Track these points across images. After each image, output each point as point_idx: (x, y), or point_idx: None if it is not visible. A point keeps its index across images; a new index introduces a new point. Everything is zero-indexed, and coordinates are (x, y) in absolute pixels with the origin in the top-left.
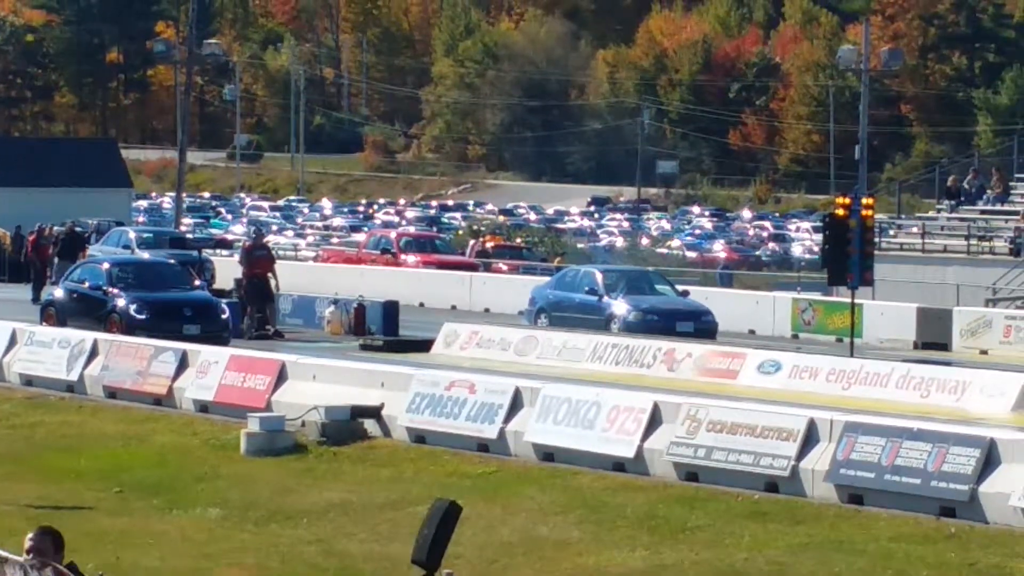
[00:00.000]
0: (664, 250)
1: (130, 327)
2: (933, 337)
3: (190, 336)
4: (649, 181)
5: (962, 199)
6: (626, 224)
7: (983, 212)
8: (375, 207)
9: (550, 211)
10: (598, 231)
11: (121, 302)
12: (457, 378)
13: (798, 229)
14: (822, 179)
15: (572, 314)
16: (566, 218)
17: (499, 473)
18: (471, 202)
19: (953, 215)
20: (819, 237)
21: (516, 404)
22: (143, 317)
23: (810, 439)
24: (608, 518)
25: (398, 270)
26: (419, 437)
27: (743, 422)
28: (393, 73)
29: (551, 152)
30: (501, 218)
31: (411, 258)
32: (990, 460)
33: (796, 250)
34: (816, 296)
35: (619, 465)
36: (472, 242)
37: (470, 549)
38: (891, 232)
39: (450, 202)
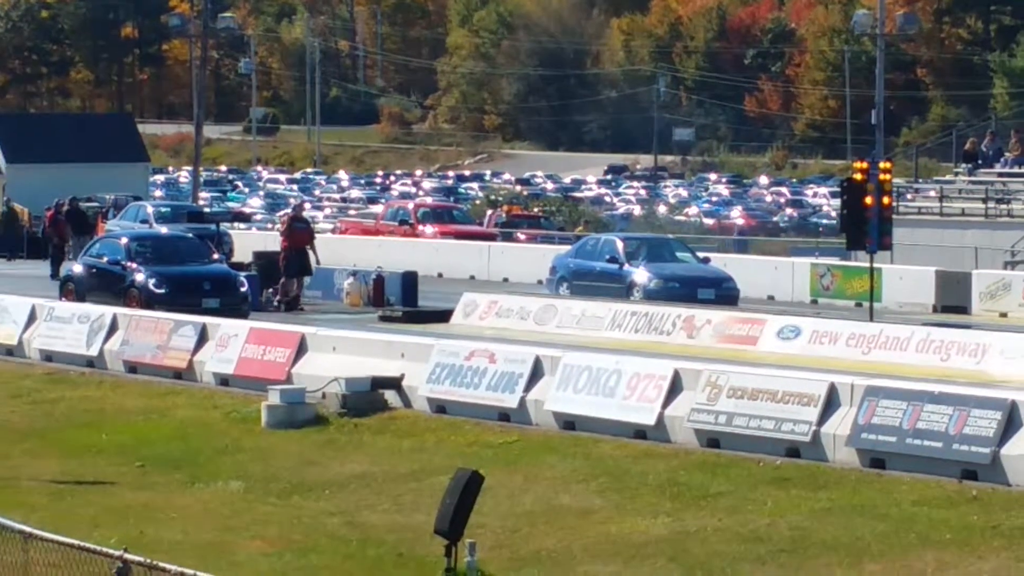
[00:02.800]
0: (682, 217)
1: (149, 301)
2: (952, 300)
3: (209, 309)
4: (665, 149)
5: (980, 162)
6: (643, 192)
7: (1001, 175)
8: (392, 178)
9: (567, 180)
10: (615, 199)
11: (140, 276)
12: (477, 348)
13: (815, 194)
14: (839, 144)
15: (593, 282)
16: (583, 187)
17: (520, 442)
18: (488, 172)
19: (971, 178)
20: (836, 202)
21: (536, 373)
22: (162, 291)
23: (831, 404)
24: (630, 486)
25: (416, 241)
26: (440, 407)
27: (763, 388)
28: (408, 44)
29: (567, 121)
30: (518, 188)
31: (429, 229)
32: (1012, 422)
33: (815, 215)
34: (835, 261)
35: (640, 433)
36: (489, 212)
37: (492, 518)
38: (909, 196)
39: (467, 172)
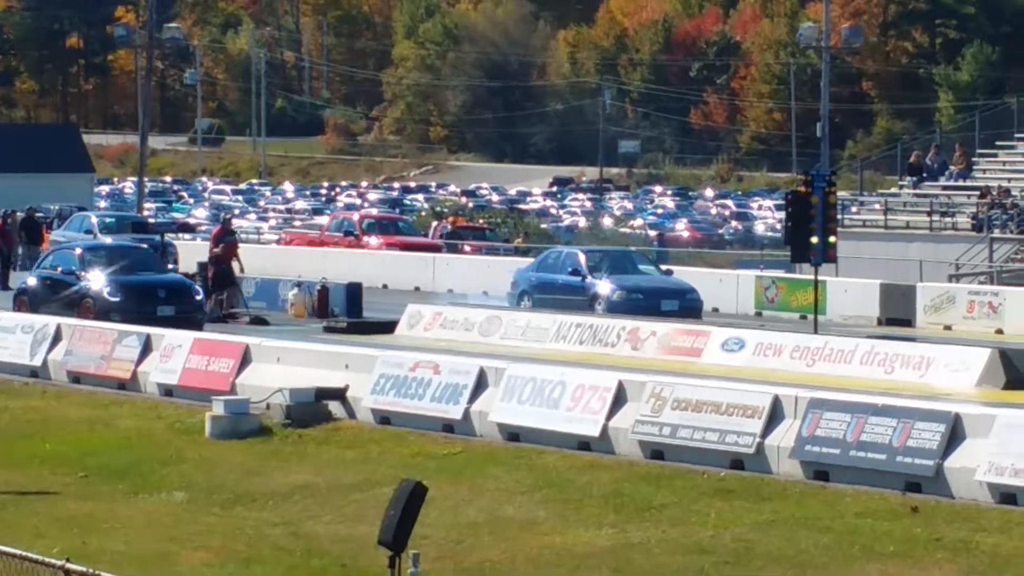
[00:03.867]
0: (627, 230)
1: (104, 310)
2: (897, 313)
3: (164, 318)
4: (611, 161)
5: (924, 175)
6: (588, 204)
7: (945, 188)
8: (337, 190)
9: (512, 192)
10: (561, 211)
11: (94, 285)
12: (421, 359)
13: (760, 207)
14: (784, 157)
15: (555, 295)
16: (528, 199)
17: (464, 453)
18: (433, 184)
19: (916, 191)
20: (782, 215)
21: (481, 384)
22: (117, 299)
23: (775, 416)
24: (574, 497)
25: (361, 252)
26: (384, 418)
27: (708, 400)
28: (354, 56)
29: (513, 133)
30: (463, 199)
31: (374, 240)
32: (955, 435)
33: (759, 228)
34: (779, 274)
35: (584, 444)
36: (435, 223)
37: (436, 530)
38: (854, 209)
39: (412, 184)
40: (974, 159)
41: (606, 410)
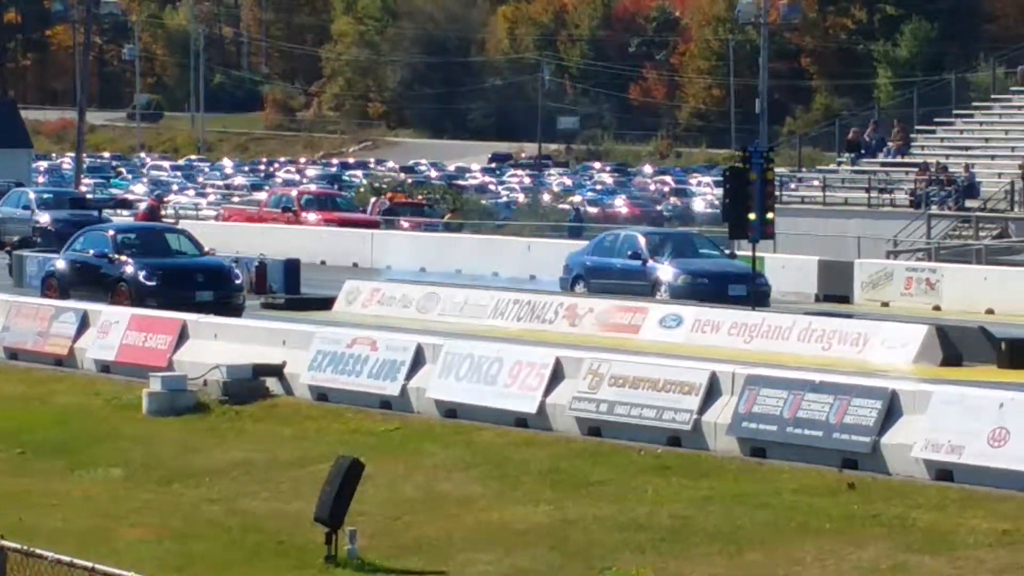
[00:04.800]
0: (566, 206)
1: (140, 295)
2: (834, 290)
3: (203, 303)
4: (550, 137)
5: (863, 152)
6: (527, 180)
7: (884, 165)
8: (276, 165)
9: (451, 168)
10: (499, 188)
11: (129, 269)
12: (359, 335)
13: (699, 183)
14: (723, 133)
15: (613, 280)
16: (467, 175)
17: (401, 430)
18: (372, 159)
19: (854, 168)
20: (720, 191)
21: (418, 361)
22: (153, 284)
23: (712, 392)
24: (511, 474)
25: (299, 228)
26: (321, 395)
27: (645, 376)
28: (292, 31)
29: (452, 109)
30: (402, 175)
31: (312, 216)
32: (892, 412)
33: (697, 205)
34: None
35: (522, 421)
36: (373, 199)
37: (373, 506)
38: (792, 185)
39: (351, 160)
40: (912, 135)
41: (543, 387)
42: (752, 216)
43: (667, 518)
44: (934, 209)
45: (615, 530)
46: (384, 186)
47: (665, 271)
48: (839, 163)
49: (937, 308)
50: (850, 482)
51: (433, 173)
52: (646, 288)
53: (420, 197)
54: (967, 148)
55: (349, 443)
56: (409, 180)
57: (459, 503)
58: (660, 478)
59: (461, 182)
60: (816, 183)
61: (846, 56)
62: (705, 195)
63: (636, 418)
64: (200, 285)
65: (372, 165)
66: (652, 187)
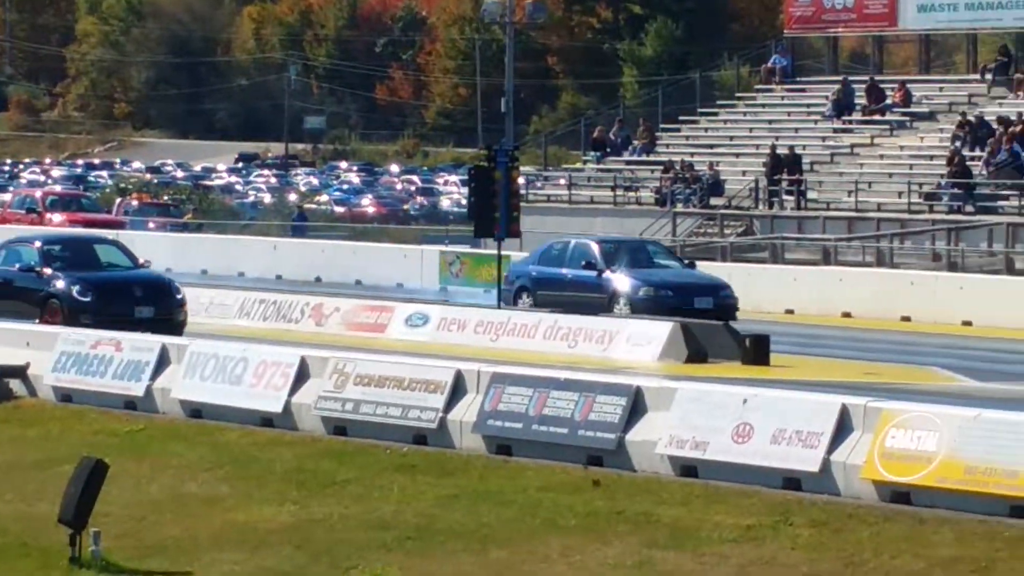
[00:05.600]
0: (312, 205)
1: (74, 312)
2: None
3: (143, 320)
4: (297, 137)
5: (608, 150)
6: (274, 180)
7: (629, 163)
8: (20, 166)
9: (197, 168)
10: (246, 187)
11: (61, 284)
12: (103, 336)
13: (446, 183)
14: (470, 132)
15: (565, 292)
16: (214, 175)
17: (147, 430)
18: (118, 160)
19: (599, 166)
20: (466, 190)
21: (163, 361)
22: (88, 299)
23: (457, 391)
24: (257, 473)
25: (43, 229)
26: (66, 396)
27: (390, 375)
28: (37, 31)
29: (198, 109)
30: (148, 176)
31: (57, 217)
32: (636, 409)
33: (444, 203)
34: (464, 249)
35: (267, 420)
36: (119, 200)
37: (118, 507)
38: (538, 184)
39: (96, 160)
40: (658, 134)
41: (289, 386)
42: (498, 215)
43: (413, 516)
44: (679, 207)
45: (361, 529)
46: (130, 187)
47: (623, 282)
48: (585, 162)
49: None
50: (595, 479)
51: (179, 173)
52: (603, 301)
53: (165, 198)
54: (712, 146)
55: (93, 444)
56: (155, 180)
57: (205, 503)
58: (406, 477)
59: (207, 182)
60: (562, 182)
61: (592, 55)
62: (452, 194)
63: (382, 417)
64: (139, 300)
65: (118, 166)
66: (399, 186)
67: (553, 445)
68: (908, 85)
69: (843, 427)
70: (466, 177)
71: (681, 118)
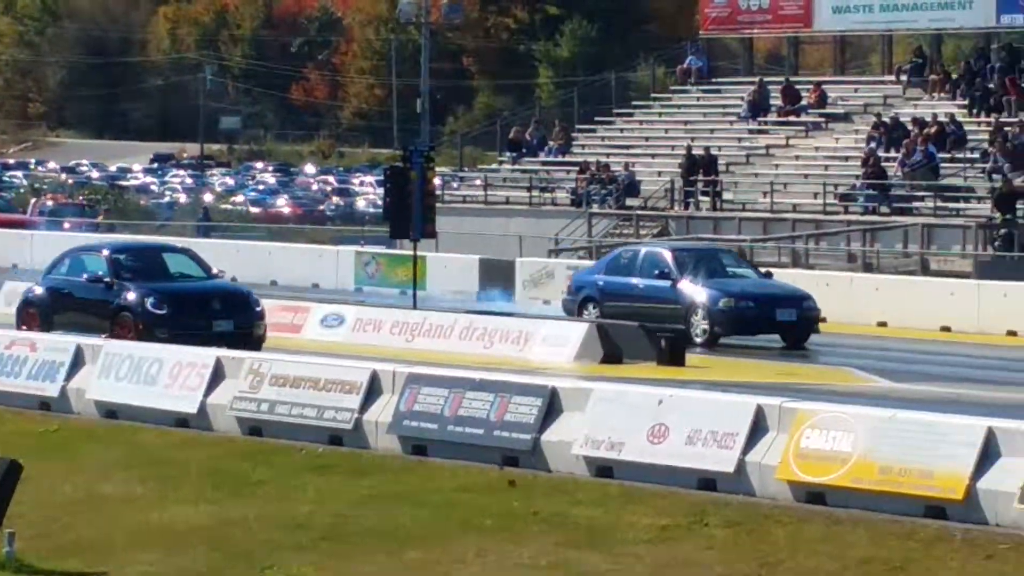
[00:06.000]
0: (228, 206)
1: (148, 326)
2: (496, 288)
3: (221, 334)
4: (212, 137)
5: (524, 151)
6: (190, 180)
7: (545, 164)
8: None
9: (113, 168)
10: (162, 188)
11: (132, 295)
12: (17, 336)
13: (362, 183)
14: (386, 133)
15: (635, 304)
16: (129, 175)
17: (61, 431)
18: (32, 160)
19: (515, 167)
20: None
21: (78, 362)
22: (163, 312)
23: (373, 391)
24: (172, 474)
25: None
26: None
27: (306, 376)
28: None
29: (113, 109)
30: (63, 176)
31: None
32: (552, 409)
33: (360, 204)
34: (380, 249)
35: (182, 421)
36: (33, 200)
37: (32, 508)
38: (454, 185)
39: (11, 160)
40: (573, 135)
41: (204, 387)
42: (413, 215)
43: (328, 517)
44: (595, 208)
45: (276, 529)
46: (45, 187)
47: (700, 293)
48: (501, 162)
49: None
50: (511, 479)
51: (95, 174)
52: (680, 313)
53: (81, 198)
54: (627, 147)
55: (7, 445)
56: (70, 181)
57: (120, 504)
58: (321, 477)
59: (123, 182)
60: (478, 182)
61: (508, 56)
62: (367, 194)
63: (297, 417)
64: (217, 313)
65: (33, 166)
66: (315, 187)
67: (469, 446)
68: (824, 86)
69: (758, 428)
70: (382, 178)
71: (597, 119)
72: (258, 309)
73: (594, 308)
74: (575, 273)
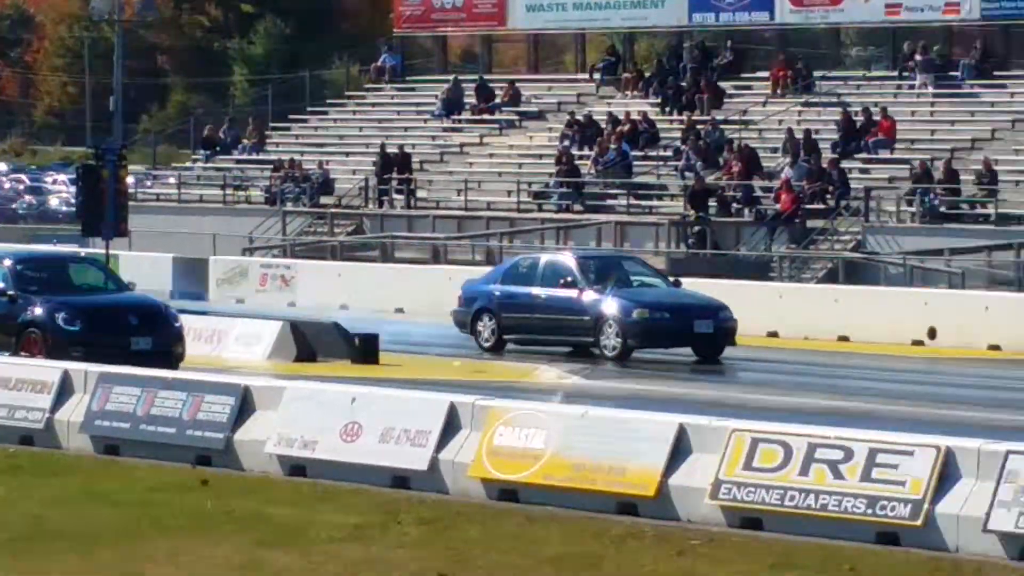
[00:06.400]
0: None
1: (58, 343)
2: (190, 286)
3: (139, 353)
4: None
5: (218, 149)
6: None
7: (239, 162)
8: None
9: None
10: None
11: (39, 310)
12: None
13: (55, 181)
14: (79, 131)
15: (539, 315)
16: None
17: None
18: None
19: (209, 165)
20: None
21: None
22: (75, 329)
23: (64, 391)
24: None
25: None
26: None
27: None
28: None
29: None
30: None
31: None
32: (245, 408)
33: (53, 202)
34: (73, 248)
35: None
36: None
37: None
38: (148, 183)
39: None
40: (268, 133)
41: None
42: (105, 214)
43: (19, 518)
44: (289, 206)
45: None
46: None
47: (610, 304)
48: (194, 160)
49: (292, 304)
50: (204, 479)
51: None
52: (587, 324)
53: None
54: (322, 145)
55: None
56: None
57: None
58: (12, 478)
59: None
60: (172, 181)
61: (202, 54)
62: (60, 193)
63: None
64: (135, 329)
65: None
66: (7, 185)
67: (161, 445)
68: (517, 84)
69: (451, 425)
70: (74, 176)
71: (291, 117)
72: (177, 325)
73: (490, 320)
74: (465, 283)
